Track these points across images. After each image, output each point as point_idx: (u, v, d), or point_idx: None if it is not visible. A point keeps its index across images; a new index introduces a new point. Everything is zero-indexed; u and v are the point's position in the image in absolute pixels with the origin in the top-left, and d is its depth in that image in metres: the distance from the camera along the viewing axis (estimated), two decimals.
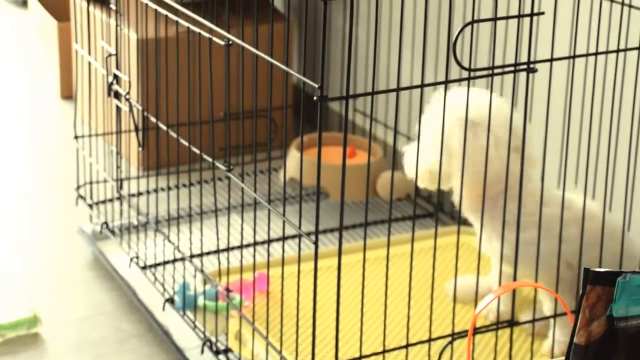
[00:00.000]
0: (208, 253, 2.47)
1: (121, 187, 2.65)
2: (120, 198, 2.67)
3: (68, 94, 3.78)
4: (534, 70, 1.79)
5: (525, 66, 1.79)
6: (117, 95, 2.46)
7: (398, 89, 1.72)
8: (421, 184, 2.07)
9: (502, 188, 1.91)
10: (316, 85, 1.65)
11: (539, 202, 1.99)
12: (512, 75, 1.84)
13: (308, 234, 1.80)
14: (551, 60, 1.82)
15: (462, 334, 1.95)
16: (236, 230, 2.61)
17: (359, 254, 2.43)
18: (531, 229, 1.96)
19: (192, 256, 2.31)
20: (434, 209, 2.71)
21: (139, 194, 2.73)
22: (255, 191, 1.95)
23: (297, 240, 2.69)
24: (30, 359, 2.32)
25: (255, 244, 2.05)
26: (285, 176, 2.89)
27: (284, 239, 1.88)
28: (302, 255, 1.89)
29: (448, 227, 2.59)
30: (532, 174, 2.03)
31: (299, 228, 1.79)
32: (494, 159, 1.95)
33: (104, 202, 2.80)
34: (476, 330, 1.96)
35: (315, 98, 1.65)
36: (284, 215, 1.84)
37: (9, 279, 2.65)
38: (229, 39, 1.91)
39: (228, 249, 2.14)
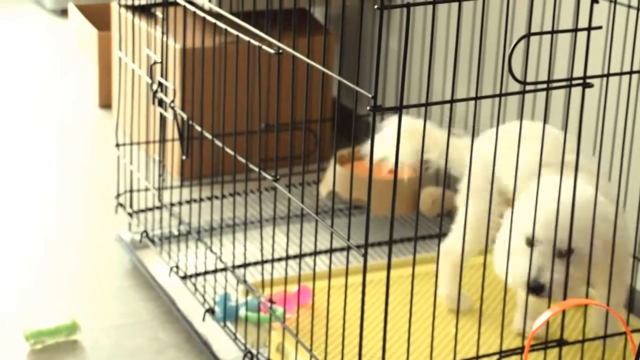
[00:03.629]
0: (250, 264, 2.46)
1: (161, 196, 2.64)
2: (160, 207, 2.65)
3: (106, 103, 3.78)
4: (590, 86, 1.76)
5: (580, 81, 1.76)
6: (160, 103, 2.45)
7: (452, 101, 1.70)
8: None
9: None
10: (370, 95, 1.63)
11: None
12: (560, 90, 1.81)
13: (357, 247, 1.78)
14: (607, 75, 1.80)
15: (510, 352, 1.91)
16: (278, 243, 2.59)
17: (405, 269, 2.41)
18: None
19: (234, 267, 2.29)
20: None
21: (180, 203, 2.71)
22: (302, 202, 1.93)
23: (342, 253, 2.68)
24: None
25: (301, 255, 2.02)
26: (331, 189, 2.88)
27: (331, 251, 1.85)
28: (348, 268, 1.86)
29: None
30: None
31: (348, 239, 1.77)
32: None
33: (143, 210, 2.79)
34: (523, 349, 1.92)
35: (368, 108, 1.63)
36: (332, 226, 1.82)
37: (48, 285, 2.64)
38: (279, 47, 1.90)
39: (272, 260, 2.11)
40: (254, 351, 2.18)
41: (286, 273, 2.06)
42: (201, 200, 2.68)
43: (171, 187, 2.75)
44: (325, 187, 2.91)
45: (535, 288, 1.89)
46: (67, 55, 4.27)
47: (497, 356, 1.91)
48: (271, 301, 2.10)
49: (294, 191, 2.75)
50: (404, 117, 1.75)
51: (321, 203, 2.93)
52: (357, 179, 1.85)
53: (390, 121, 2.09)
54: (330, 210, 2.97)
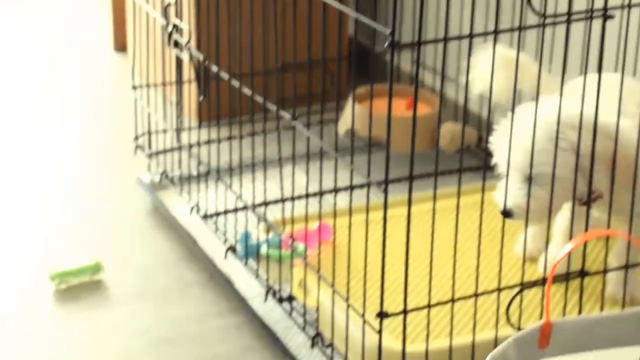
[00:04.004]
0: (270, 202, 2.47)
1: (180, 137, 2.65)
2: (179, 148, 2.66)
3: (121, 46, 3.78)
4: (611, 17, 1.75)
5: (601, 12, 1.75)
6: (176, 45, 2.45)
7: (471, 35, 1.69)
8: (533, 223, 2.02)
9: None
10: (387, 32, 1.63)
11: None
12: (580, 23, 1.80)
13: (377, 184, 1.79)
14: (629, 6, 1.79)
15: (532, 284, 1.93)
16: (297, 182, 2.60)
17: (426, 204, 2.42)
18: None
19: (254, 205, 2.30)
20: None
21: (198, 144, 2.72)
22: (321, 140, 1.93)
23: (362, 190, 2.68)
24: (94, 305, 2.34)
25: (321, 193, 2.03)
26: (350, 128, 2.88)
27: (351, 187, 1.86)
28: (369, 205, 1.87)
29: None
30: None
31: (368, 177, 1.78)
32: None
33: (162, 152, 2.80)
34: (545, 280, 1.94)
35: (386, 45, 1.63)
36: (351, 163, 1.83)
37: (70, 228, 2.66)
38: None
39: (293, 198, 2.13)
40: (276, 287, 2.20)
41: (307, 210, 2.07)
42: (219, 140, 2.69)
43: (189, 128, 2.75)
44: (343, 126, 2.92)
45: (503, 213, 1.94)
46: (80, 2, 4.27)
47: (518, 288, 1.92)
48: (292, 238, 2.12)
49: (312, 130, 2.75)
50: (497, 48, 1.76)
51: (340, 141, 2.93)
52: (376, 116, 1.85)
53: (484, 53, 2.01)
54: (349, 148, 2.97)
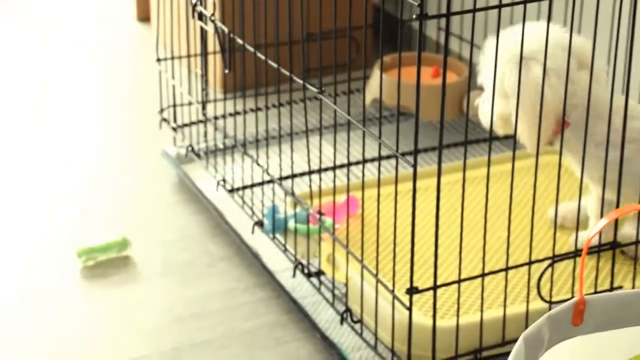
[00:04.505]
0: (297, 175, 2.45)
1: (205, 109, 2.63)
2: (205, 121, 2.64)
3: (144, 16, 3.76)
4: None
5: None
6: (200, 17, 2.42)
7: (500, 5, 1.66)
8: (500, 131, 2.03)
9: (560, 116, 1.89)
10: (415, 3, 1.60)
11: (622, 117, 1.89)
12: None
13: (403, 154, 1.77)
14: None
15: (563, 257, 1.90)
16: (324, 154, 2.58)
17: (455, 174, 2.39)
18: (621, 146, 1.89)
19: (281, 178, 2.28)
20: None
21: (224, 116, 2.70)
22: (348, 113, 1.90)
23: (389, 162, 2.66)
24: (123, 282, 2.33)
25: (349, 164, 2.00)
26: (376, 97, 2.86)
27: (380, 159, 1.84)
28: (397, 176, 1.84)
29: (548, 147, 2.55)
30: (597, 89, 1.94)
31: (397, 150, 1.75)
32: (546, 89, 1.86)
33: (187, 125, 2.78)
34: (577, 253, 1.91)
35: (414, 16, 1.60)
36: (380, 137, 1.80)
37: (96, 203, 2.65)
38: None
39: (320, 170, 2.10)
40: (304, 262, 2.18)
41: (334, 183, 2.04)
42: (245, 112, 2.67)
43: (215, 101, 2.73)
44: (369, 95, 2.88)
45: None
46: None
47: (549, 261, 1.90)
48: (320, 213, 2.10)
49: (338, 100, 2.72)
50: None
51: (367, 111, 2.90)
52: (403, 85, 1.82)
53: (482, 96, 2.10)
54: (374, 119, 2.94)
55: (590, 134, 1.87)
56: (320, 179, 2.19)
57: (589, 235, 1.56)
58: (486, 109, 2.04)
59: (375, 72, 2.91)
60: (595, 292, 1.93)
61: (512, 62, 1.92)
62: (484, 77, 2.04)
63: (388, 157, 2.66)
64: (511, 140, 1.94)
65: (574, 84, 1.92)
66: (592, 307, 1.43)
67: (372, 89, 2.88)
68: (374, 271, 1.97)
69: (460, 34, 2.95)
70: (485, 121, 2.05)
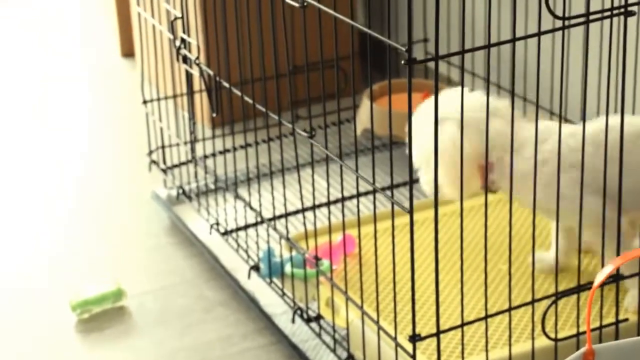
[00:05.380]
0: (291, 213, 2.41)
1: (194, 150, 2.59)
2: (194, 160, 2.60)
3: (129, 51, 3.72)
4: (633, 14, 1.68)
5: (622, 9, 1.68)
6: (185, 60, 2.38)
7: (489, 46, 1.62)
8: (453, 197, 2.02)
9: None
10: (403, 49, 1.56)
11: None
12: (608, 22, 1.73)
13: (383, 189, 1.74)
14: None
15: (566, 293, 1.87)
16: (317, 189, 2.54)
17: (451, 205, 2.35)
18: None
19: (274, 218, 2.24)
20: None
21: (214, 154, 2.66)
22: (340, 145, 1.86)
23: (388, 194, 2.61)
24: (120, 335, 2.29)
25: (343, 199, 1.96)
26: (366, 127, 2.82)
27: (374, 192, 1.79)
28: (393, 211, 1.79)
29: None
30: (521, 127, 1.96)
31: (391, 182, 1.70)
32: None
33: (177, 166, 2.74)
34: (581, 288, 1.88)
35: (403, 62, 1.56)
36: (373, 168, 1.76)
37: (87, 251, 2.61)
38: (304, 0, 1.82)
39: (314, 207, 2.06)
40: (303, 306, 2.14)
41: (329, 221, 2.00)
42: (235, 149, 2.63)
43: (203, 139, 2.69)
44: (360, 125, 2.85)
45: None
46: (84, 4, 4.21)
47: (552, 298, 1.86)
48: (317, 257, 2.06)
49: (329, 132, 2.69)
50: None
51: (359, 141, 2.87)
52: (394, 115, 1.78)
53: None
54: (365, 149, 2.91)
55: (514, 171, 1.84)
56: (315, 217, 2.15)
57: (595, 284, 1.51)
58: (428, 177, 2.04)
59: (365, 102, 2.87)
60: (601, 327, 1.89)
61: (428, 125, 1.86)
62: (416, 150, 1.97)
63: (382, 189, 2.62)
64: None
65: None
66: (601, 356, 1.39)
67: (362, 119, 2.84)
68: (375, 315, 1.93)
69: (449, 60, 2.92)
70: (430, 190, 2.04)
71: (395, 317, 1.80)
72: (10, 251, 2.62)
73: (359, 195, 1.89)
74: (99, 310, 2.36)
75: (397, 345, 1.79)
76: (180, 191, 2.65)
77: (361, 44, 3.29)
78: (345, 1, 3.07)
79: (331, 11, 1.74)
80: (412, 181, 1.67)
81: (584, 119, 1.79)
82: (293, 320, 2.14)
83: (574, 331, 1.92)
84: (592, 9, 1.70)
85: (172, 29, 2.38)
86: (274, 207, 2.24)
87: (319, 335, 2.10)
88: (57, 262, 2.57)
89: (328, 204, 1.99)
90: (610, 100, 1.90)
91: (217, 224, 2.45)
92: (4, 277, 2.52)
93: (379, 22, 3.36)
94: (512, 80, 1.70)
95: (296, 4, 1.83)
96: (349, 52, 3.12)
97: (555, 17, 1.63)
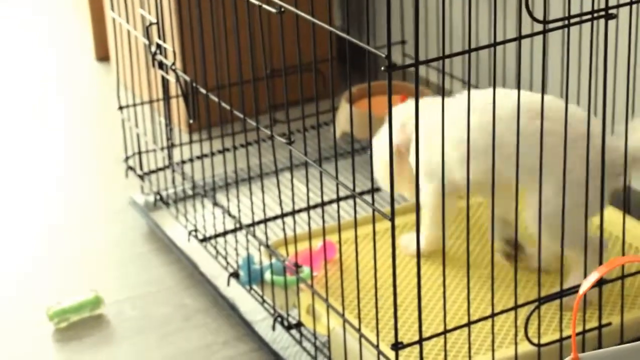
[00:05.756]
0: (270, 219, 2.39)
1: (171, 156, 2.56)
2: (171, 166, 2.58)
3: (103, 55, 3.69)
4: (613, 17, 1.67)
5: (603, 13, 1.66)
6: (161, 66, 2.36)
7: (470, 50, 1.61)
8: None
9: None
10: (383, 55, 1.54)
11: None
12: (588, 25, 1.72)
13: (362, 193, 1.71)
14: (630, 3, 1.70)
15: (549, 298, 1.86)
16: (297, 194, 2.52)
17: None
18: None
19: (254, 224, 2.22)
20: None
21: (191, 160, 2.63)
22: (319, 150, 1.85)
23: (367, 196, 2.60)
24: (98, 343, 2.26)
25: (323, 204, 1.93)
26: (345, 130, 2.80)
27: (338, 200, 1.78)
28: (375, 215, 1.77)
29: None
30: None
31: (372, 188, 1.69)
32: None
33: (154, 171, 2.71)
34: (563, 293, 1.87)
35: (382, 68, 1.55)
36: (353, 172, 1.74)
37: (64, 259, 2.58)
38: (281, 6, 1.80)
39: (293, 212, 2.03)
40: (284, 314, 2.12)
41: (309, 227, 1.97)
42: (212, 154, 2.60)
43: (180, 145, 2.66)
44: (339, 128, 2.83)
45: None
46: (57, 6, 4.17)
47: (535, 304, 1.85)
48: (297, 265, 2.04)
49: (308, 135, 2.67)
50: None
51: (338, 145, 2.85)
52: (373, 118, 1.77)
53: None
54: (346, 153, 2.89)
55: None
56: (295, 222, 2.13)
57: (580, 291, 1.49)
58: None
59: (343, 105, 2.85)
60: (584, 331, 1.88)
61: None
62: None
63: (362, 193, 2.61)
64: None
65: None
66: None
67: (341, 122, 2.82)
68: (356, 322, 1.91)
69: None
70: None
71: (377, 324, 1.78)
72: None
73: (339, 200, 1.86)
74: (77, 319, 2.33)
75: (379, 353, 1.78)
76: (158, 197, 2.62)
77: (339, 46, 3.28)
78: (323, 5, 3.10)
79: (309, 17, 1.72)
80: (393, 186, 1.64)
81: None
82: (274, 328, 2.12)
83: (556, 336, 1.91)
84: (572, 12, 1.69)
85: (148, 35, 2.35)
86: (252, 213, 2.22)
87: (299, 343, 2.08)
88: (34, 269, 2.54)
89: (308, 209, 1.97)
90: (591, 102, 1.89)
91: (196, 230, 2.42)
92: None
93: (356, 22, 3.34)
94: (494, 84, 1.68)
95: (273, 10, 1.81)
96: (327, 56, 3.12)
97: (536, 20, 1.62)
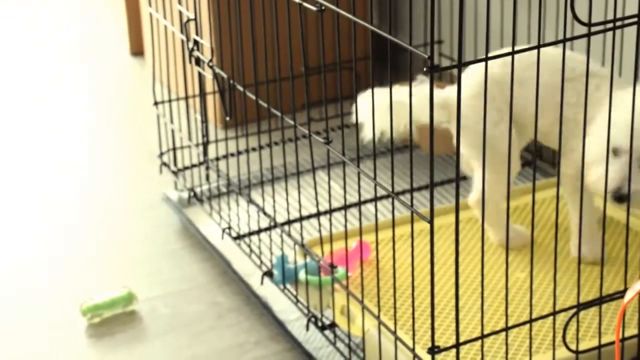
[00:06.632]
0: (305, 218, 2.37)
1: (206, 152, 2.55)
2: (206, 163, 2.57)
3: (138, 49, 3.69)
4: None
5: None
6: (198, 62, 2.35)
7: (513, 52, 1.59)
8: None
9: None
10: (425, 55, 1.52)
11: None
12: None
13: (397, 194, 1.69)
14: None
15: (589, 304, 1.83)
16: (333, 196, 2.50)
17: (470, 211, 2.31)
18: None
19: (289, 222, 2.21)
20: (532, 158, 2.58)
21: (225, 157, 2.62)
22: (358, 149, 1.82)
23: (405, 197, 2.57)
24: (131, 340, 2.26)
25: (360, 203, 1.91)
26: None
27: (376, 199, 1.76)
28: (411, 220, 1.75)
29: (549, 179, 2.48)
30: None
31: (411, 189, 1.66)
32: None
33: (189, 167, 2.70)
34: (603, 299, 1.84)
35: (425, 70, 1.52)
36: (392, 172, 1.72)
37: (99, 255, 2.58)
38: (321, 4, 1.78)
39: (330, 212, 2.02)
40: (318, 314, 2.11)
41: (346, 228, 1.95)
42: (247, 151, 2.59)
43: (216, 141, 2.65)
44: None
45: (616, 197, 1.89)
46: (92, 4, 4.17)
47: (574, 310, 1.82)
48: (332, 265, 2.02)
49: (343, 133, 2.65)
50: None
51: (370, 144, 2.83)
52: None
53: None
54: (379, 153, 2.87)
55: None
56: (330, 222, 2.11)
57: (625, 300, 1.47)
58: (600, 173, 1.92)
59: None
60: (624, 339, 1.85)
61: None
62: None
63: (397, 193, 2.59)
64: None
65: None
66: None
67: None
68: (392, 324, 1.89)
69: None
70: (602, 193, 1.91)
71: (413, 326, 1.76)
72: (20, 256, 2.59)
73: (377, 200, 1.84)
74: (110, 315, 2.32)
75: (415, 356, 1.76)
76: (192, 194, 2.61)
77: (373, 45, 3.24)
78: (361, 3, 3.07)
79: (350, 15, 1.70)
80: (433, 187, 1.61)
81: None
82: (307, 328, 2.11)
83: (595, 342, 1.88)
84: (610, 17, 1.66)
85: (185, 31, 2.34)
86: (288, 212, 2.20)
87: (333, 344, 2.06)
88: (68, 266, 2.54)
89: (345, 208, 1.95)
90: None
91: (229, 228, 2.41)
92: (14, 282, 2.48)
93: (387, 21, 3.32)
94: (537, 87, 1.66)
95: (314, 8, 1.79)
96: (363, 54, 3.10)
97: (581, 22, 1.59)
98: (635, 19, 1.65)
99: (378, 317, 1.85)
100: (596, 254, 2.12)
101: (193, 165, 2.70)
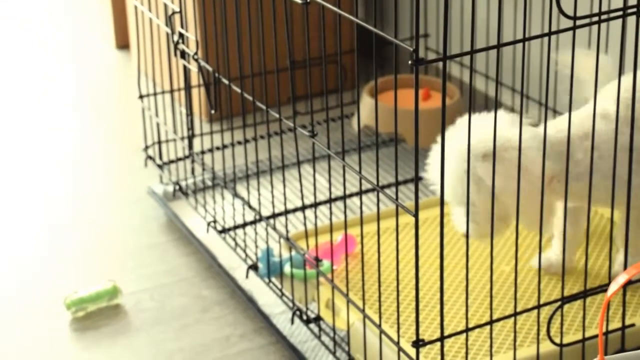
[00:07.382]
0: (291, 211, 2.37)
1: (191, 146, 2.55)
2: (191, 156, 2.56)
3: (124, 43, 3.67)
4: None
5: (635, 9, 1.64)
6: (183, 55, 2.34)
7: (499, 45, 1.58)
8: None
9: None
10: (410, 49, 1.52)
11: None
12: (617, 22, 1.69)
13: (383, 187, 1.69)
14: None
15: (573, 298, 1.83)
16: (319, 189, 2.50)
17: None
18: None
19: (274, 215, 2.21)
20: None
21: (211, 150, 2.62)
22: (343, 142, 1.82)
23: (390, 190, 2.58)
24: (115, 333, 2.25)
25: (345, 197, 1.91)
26: (367, 123, 2.78)
27: (361, 193, 1.76)
28: (396, 213, 1.74)
29: None
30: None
31: (396, 182, 1.66)
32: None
33: (174, 161, 2.70)
34: (587, 293, 1.84)
35: (410, 62, 1.52)
36: (377, 165, 1.72)
37: (83, 248, 2.57)
38: None
39: (315, 205, 2.01)
40: (303, 307, 2.11)
41: (331, 221, 1.95)
42: (233, 145, 2.59)
43: (201, 135, 2.65)
44: (361, 121, 2.81)
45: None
46: None
47: (558, 303, 1.83)
48: (317, 258, 2.02)
49: (328, 126, 2.65)
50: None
51: (355, 138, 2.83)
52: (390, 111, 1.74)
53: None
54: (365, 146, 2.87)
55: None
56: (316, 215, 2.10)
57: (608, 294, 1.46)
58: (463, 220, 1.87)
59: (365, 98, 2.83)
60: (607, 332, 1.86)
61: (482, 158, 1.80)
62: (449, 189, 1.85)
63: (388, 185, 2.59)
64: None
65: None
66: None
67: (361, 116, 2.80)
68: (377, 317, 1.89)
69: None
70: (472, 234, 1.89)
71: (398, 320, 1.76)
72: (4, 249, 2.58)
73: (362, 193, 1.84)
74: (94, 309, 2.32)
75: (400, 349, 1.76)
76: (177, 187, 2.61)
77: (358, 38, 3.24)
78: None
79: (335, 8, 1.70)
80: (418, 180, 1.61)
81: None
82: (292, 321, 2.11)
83: (579, 335, 1.88)
84: (597, 10, 1.66)
85: (170, 23, 2.34)
86: (273, 205, 2.20)
87: (318, 337, 2.06)
88: (52, 259, 2.53)
89: (330, 201, 1.94)
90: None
91: (215, 221, 2.41)
92: None
93: (372, 14, 3.32)
94: (522, 80, 1.66)
95: (299, 1, 1.79)
96: (348, 48, 3.10)
97: (566, 16, 1.60)
98: (621, 12, 1.65)
99: (363, 311, 1.85)
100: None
101: (178, 159, 2.69)
